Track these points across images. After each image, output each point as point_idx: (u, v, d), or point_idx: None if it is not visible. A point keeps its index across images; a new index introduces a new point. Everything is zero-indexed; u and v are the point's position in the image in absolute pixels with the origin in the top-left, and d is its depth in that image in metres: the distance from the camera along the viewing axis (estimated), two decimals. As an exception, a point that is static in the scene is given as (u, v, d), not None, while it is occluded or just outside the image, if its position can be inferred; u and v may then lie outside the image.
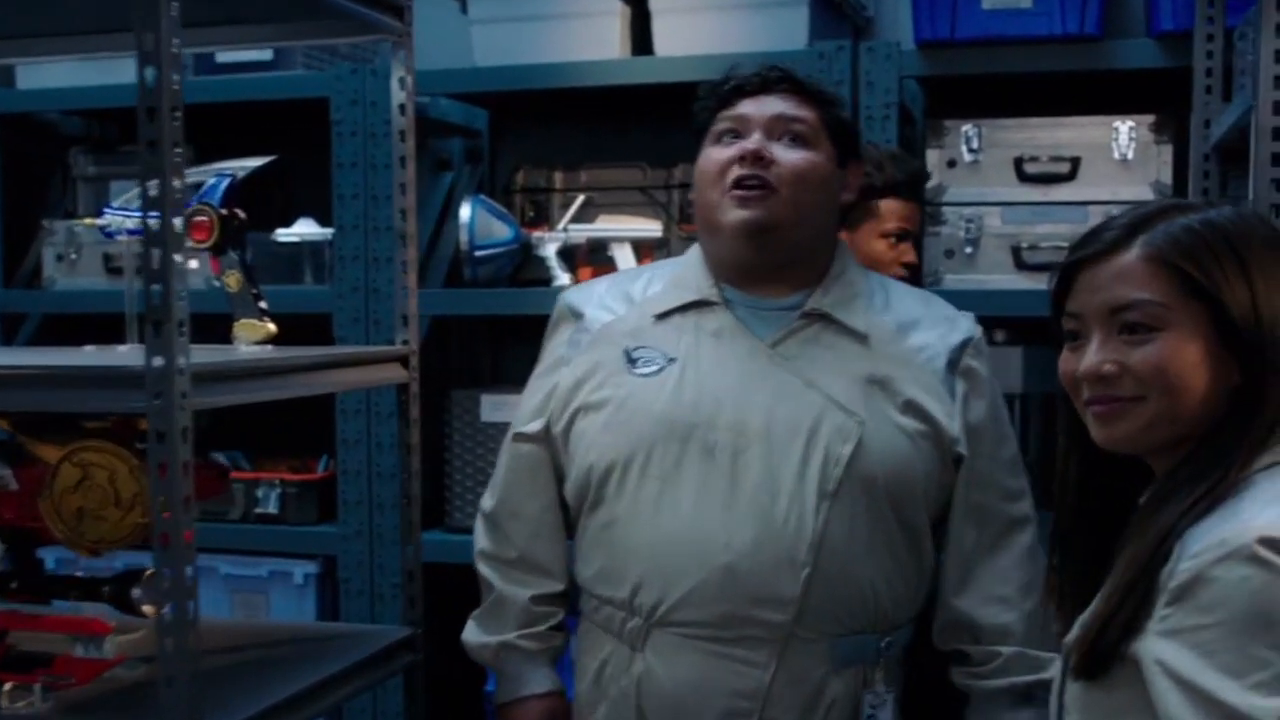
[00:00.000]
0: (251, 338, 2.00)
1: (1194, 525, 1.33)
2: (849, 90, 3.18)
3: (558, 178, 3.54)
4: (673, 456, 1.92)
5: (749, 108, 2.01)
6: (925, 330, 2.06)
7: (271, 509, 3.51)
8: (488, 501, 2.21)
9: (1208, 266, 1.40)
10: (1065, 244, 3.13)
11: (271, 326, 2.01)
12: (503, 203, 3.53)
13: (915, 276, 2.83)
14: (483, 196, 3.43)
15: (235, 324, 2.02)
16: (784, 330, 1.99)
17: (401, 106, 2.25)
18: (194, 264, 1.69)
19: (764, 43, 3.22)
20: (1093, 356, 1.44)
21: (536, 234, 3.43)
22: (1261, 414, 1.38)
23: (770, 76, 2.03)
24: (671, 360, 1.97)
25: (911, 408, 1.98)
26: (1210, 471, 1.37)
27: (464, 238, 3.36)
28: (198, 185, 2.03)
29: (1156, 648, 1.31)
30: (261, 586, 3.52)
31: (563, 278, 3.42)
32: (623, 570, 1.97)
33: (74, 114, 3.95)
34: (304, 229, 3.56)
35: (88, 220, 2.20)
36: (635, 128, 3.68)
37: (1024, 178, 3.19)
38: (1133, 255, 1.42)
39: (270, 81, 3.60)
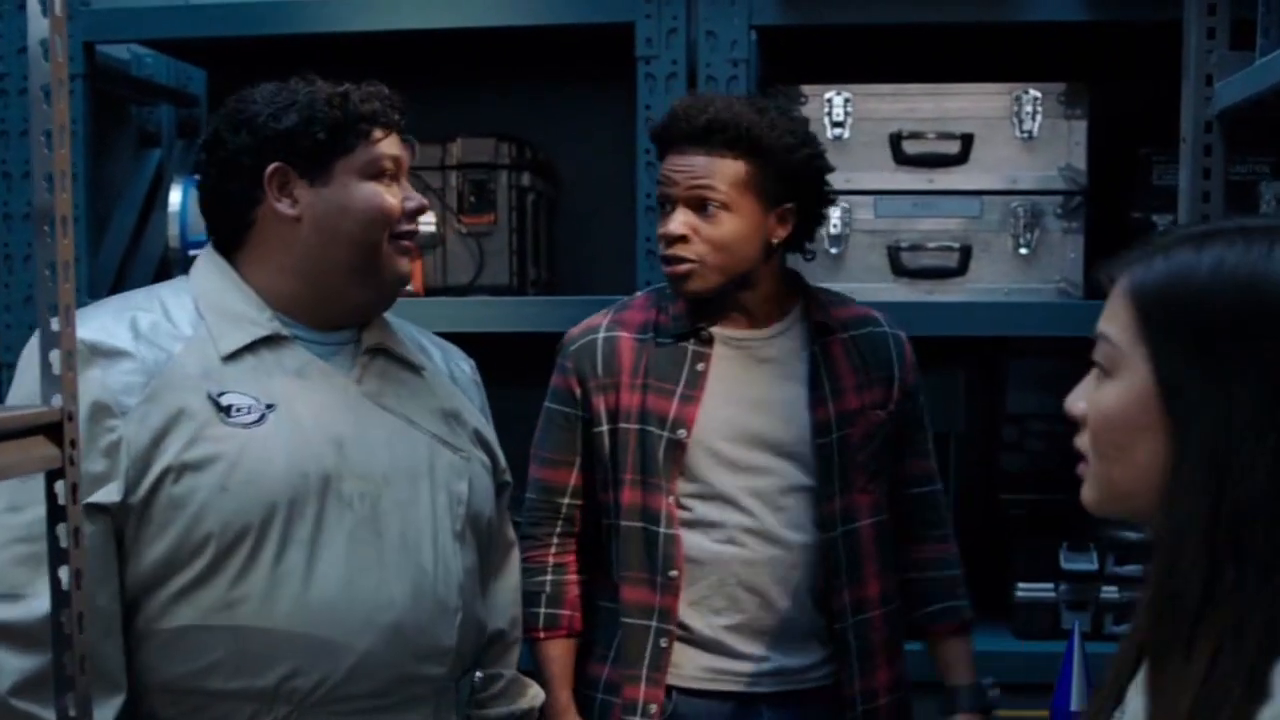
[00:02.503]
0: None
1: (1269, 664, 1.03)
2: (683, 46, 2.47)
3: (299, 154, 2.74)
4: (313, 515, 1.80)
5: (396, 147, 1.94)
6: (434, 352, 2.08)
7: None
8: (17, 609, 1.74)
9: (1160, 318, 1.16)
10: (954, 243, 2.53)
11: None
12: (227, 186, 2.72)
13: None
14: (196, 178, 2.59)
15: None
16: (356, 366, 1.92)
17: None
18: None
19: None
20: (1073, 393, 1.26)
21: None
22: (1184, 502, 1.11)
23: (401, 116, 1.96)
24: (271, 406, 1.83)
25: (478, 438, 2.02)
26: (1196, 584, 1.09)
27: (174, 230, 2.74)
28: None
29: None
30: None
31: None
32: (264, 656, 1.79)
33: None
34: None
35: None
36: (400, 90, 2.91)
37: (903, 159, 2.66)
38: (1121, 281, 1.21)
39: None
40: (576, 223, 2.97)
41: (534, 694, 2.12)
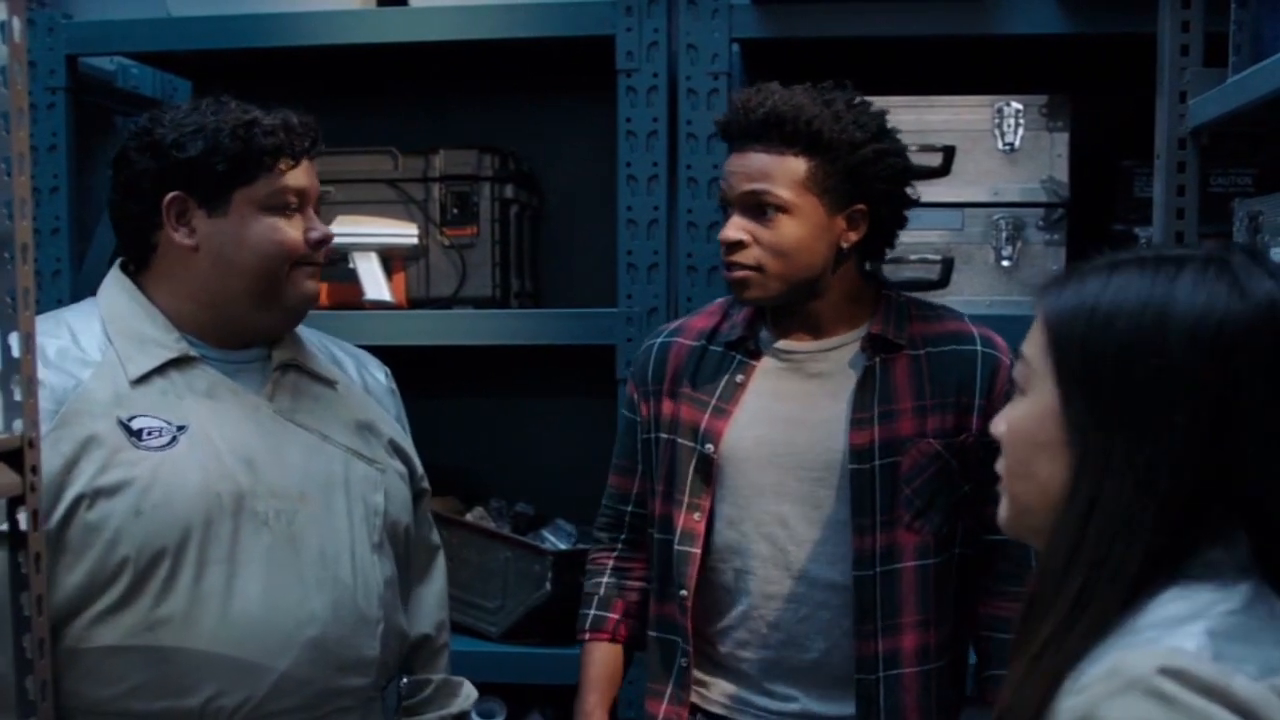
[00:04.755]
0: None
1: (1084, 649, 1.11)
2: (664, 59, 2.47)
3: (282, 166, 2.72)
4: (228, 535, 1.81)
5: (301, 179, 1.91)
6: (348, 362, 2.10)
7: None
8: None
9: (1067, 343, 1.19)
10: (936, 256, 2.51)
11: None
12: (209, 198, 2.69)
13: None
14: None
15: None
16: (268, 383, 1.92)
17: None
18: None
19: (554, -9, 2.52)
20: (998, 416, 1.29)
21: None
22: (1133, 515, 1.12)
23: (311, 145, 1.93)
24: (182, 428, 1.83)
25: (394, 448, 2.03)
26: (1080, 581, 1.14)
27: None
28: None
29: None
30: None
31: (289, 298, 2.61)
32: (187, 677, 1.79)
33: None
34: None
35: None
36: (384, 102, 2.91)
37: None
38: (1039, 304, 1.24)
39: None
40: (560, 235, 2.97)
41: (466, 694, 2.12)
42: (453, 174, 2.69)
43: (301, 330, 2.02)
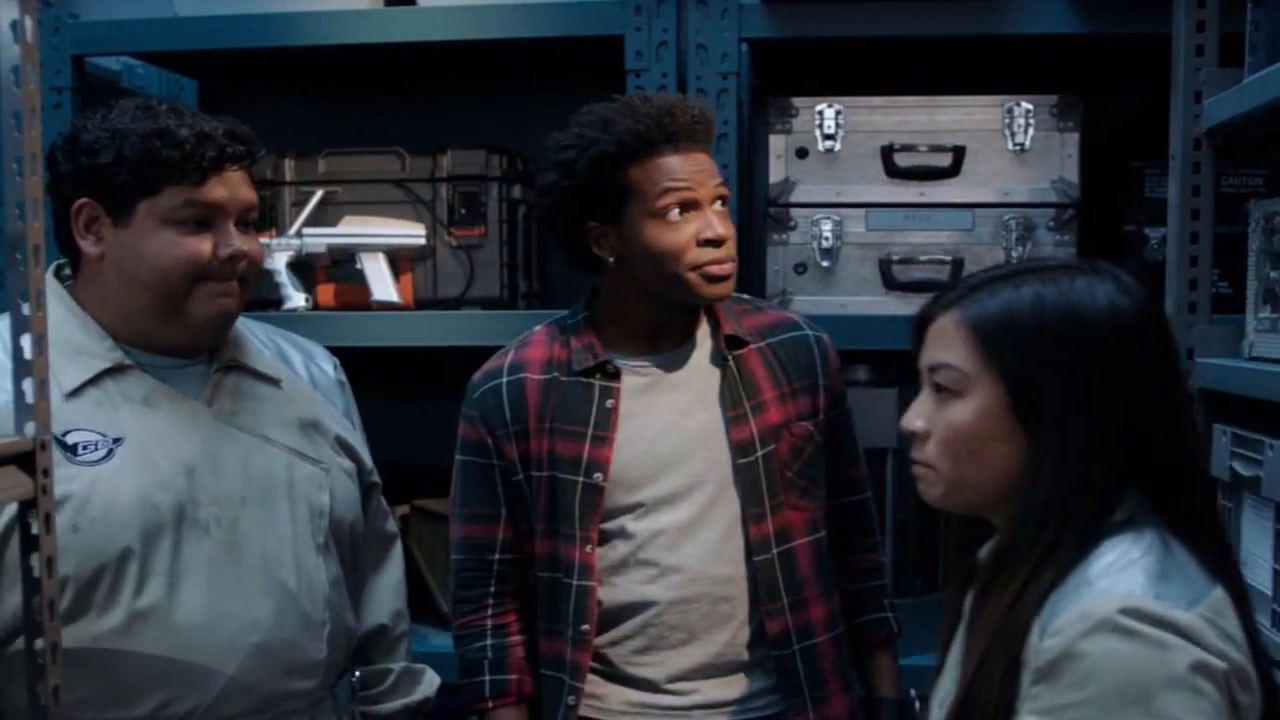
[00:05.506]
0: None
1: (1047, 597, 1.34)
2: (673, 58, 2.45)
3: (288, 167, 2.74)
4: (169, 545, 1.79)
5: (219, 192, 1.83)
6: (295, 356, 2.06)
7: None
8: None
9: (1007, 345, 1.41)
10: (946, 257, 2.51)
11: None
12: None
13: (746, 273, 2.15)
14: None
15: None
16: (207, 386, 1.89)
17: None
18: None
19: (563, -9, 2.51)
20: (909, 413, 1.49)
21: (261, 240, 2.59)
22: (1078, 483, 1.38)
23: (234, 152, 1.84)
24: (118, 440, 1.80)
25: (341, 445, 2.00)
26: (1044, 539, 1.37)
27: None
28: None
29: None
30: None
31: (297, 299, 2.65)
32: (134, 687, 1.78)
33: None
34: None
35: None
36: (390, 102, 2.90)
37: (894, 172, 2.61)
38: (952, 318, 1.44)
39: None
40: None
41: (429, 681, 2.09)
42: (460, 174, 2.67)
43: (248, 324, 1.99)
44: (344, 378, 2.11)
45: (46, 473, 1.35)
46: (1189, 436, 1.46)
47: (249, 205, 1.86)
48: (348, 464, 1.99)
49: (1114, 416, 1.37)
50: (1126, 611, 1.28)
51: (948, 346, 1.43)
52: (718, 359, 2.03)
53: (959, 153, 2.54)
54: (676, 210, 1.92)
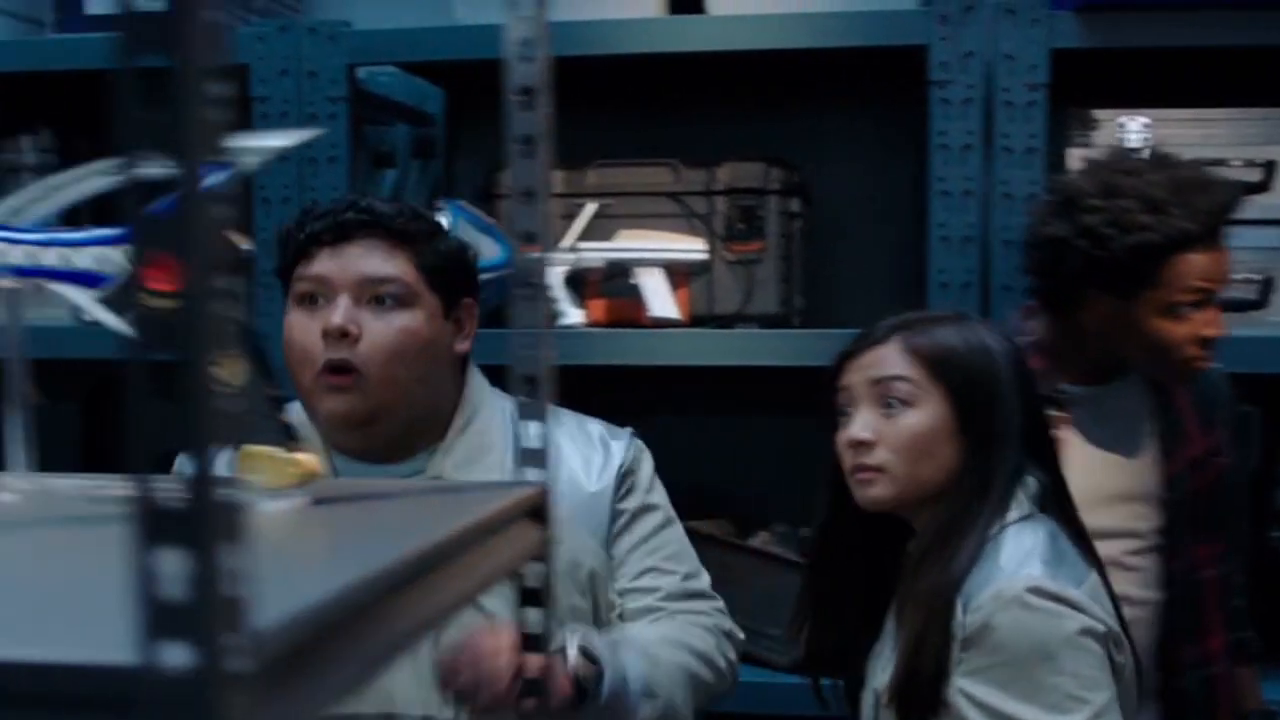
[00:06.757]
0: (276, 480, 1.04)
1: (966, 580, 1.64)
2: (980, 70, 2.36)
3: (558, 179, 2.64)
4: None
5: (329, 265, 1.73)
6: (581, 455, 1.89)
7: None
8: None
9: (948, 367, 1.73)
10: (1254, 276, 2.43)
11: (308, 459, 1.06)
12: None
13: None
14: (463, 204, 2.50)
15: (241, 453, 1.06)
16: None
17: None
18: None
19: (872, -1, 2.43)
20: (855, 425, 1.75)
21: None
22: (992, 484, 1.71)
23: (348, 221, 1.73)
24: None
25: (591, 579, 1.83)
26: (967, 532, 1.68)
27: None
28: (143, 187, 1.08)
29: (964, 685, 1.62)
30: None
31: (572, 314, 2.54)
32: None
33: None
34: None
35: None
36: (661, 113, 2.83)
37: None
38: (894, 345, 1.76)
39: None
40: (830, 250, 2.87)
41: None
42: (738, 187, 2.60)
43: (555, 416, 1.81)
44: (633, 464, 1.92)
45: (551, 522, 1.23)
46: (1053, 441, 1.84)
47: (371, 278, 1.72)
48: (583, 604, 1.79)
49: (1020, 424, 1.73)
50: (1031, 590, 1.61)
51: (895, 363, 1.74)
52: (1147, 393, 2.06)
53: (1269, 167, 2.44)
54: (1191, 308, 1.90)
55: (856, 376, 1.77)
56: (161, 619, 0.55)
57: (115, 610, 0.57)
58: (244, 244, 1.04)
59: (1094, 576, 1.69)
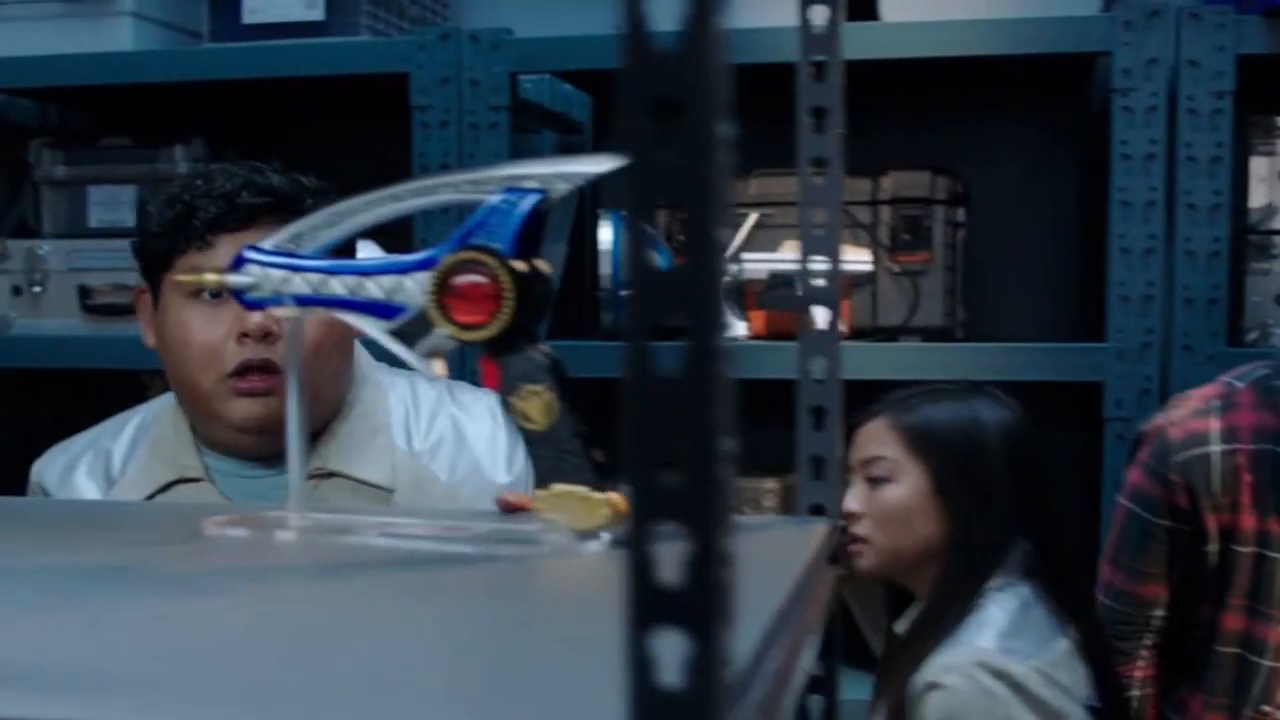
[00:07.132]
0: (587, 521, 1.00)
1: (937, 649, 1.72)
2: (1164, 76, 2.29)
3: (718, 188, 2.60)
4: None
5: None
6: (467, 425, 1.72)
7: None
8: None
9: (929, 444, 1.85)
10: None
11: (618, 499, 1.02)
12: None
13: None
14: (625, 214, 2.47)
15: (539, 494, 1.02)
16: None
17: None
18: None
19: (1055, 5, 2.38)
20: (847, 497, 1.83)
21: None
22: (974, 553, 1.79)
23: (252, 205, 1.54)
24: None
25: None
26: (949, 605, 1.77)
27: (606, 269, 2.59)
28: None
29: None
30: None
31: (735, 327, 2.49)
32: None
33: (27, 93, 2.91)
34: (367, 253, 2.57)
35: (184, 277, 1.24)
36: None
37: None
38: (880, 423, 1.88)
39: (329, 51, 2.59)
40: (990, 261, 2.81)
41: None
42: (904, 197, 2.55)
43: (408, 395, 1.70)
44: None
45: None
46: (1051, 509, 1.87)
47: None
48: None
49: (1004, 500, 1.80)
50: (975, 664, 1.67)
51: (881, 444, 1.85)
52: None
53: None
54: None
55: (852, 453, 1.88)
56: (656, 708, 0.51)
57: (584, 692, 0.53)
58: (545, 274, 1.01)
59: (1059, 646, 1.74)
